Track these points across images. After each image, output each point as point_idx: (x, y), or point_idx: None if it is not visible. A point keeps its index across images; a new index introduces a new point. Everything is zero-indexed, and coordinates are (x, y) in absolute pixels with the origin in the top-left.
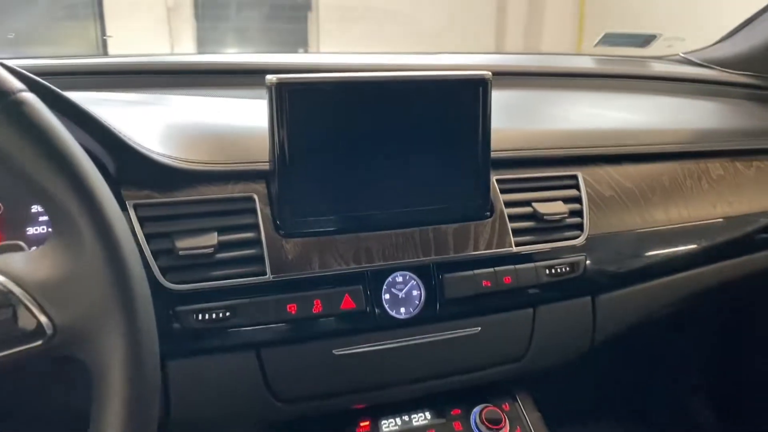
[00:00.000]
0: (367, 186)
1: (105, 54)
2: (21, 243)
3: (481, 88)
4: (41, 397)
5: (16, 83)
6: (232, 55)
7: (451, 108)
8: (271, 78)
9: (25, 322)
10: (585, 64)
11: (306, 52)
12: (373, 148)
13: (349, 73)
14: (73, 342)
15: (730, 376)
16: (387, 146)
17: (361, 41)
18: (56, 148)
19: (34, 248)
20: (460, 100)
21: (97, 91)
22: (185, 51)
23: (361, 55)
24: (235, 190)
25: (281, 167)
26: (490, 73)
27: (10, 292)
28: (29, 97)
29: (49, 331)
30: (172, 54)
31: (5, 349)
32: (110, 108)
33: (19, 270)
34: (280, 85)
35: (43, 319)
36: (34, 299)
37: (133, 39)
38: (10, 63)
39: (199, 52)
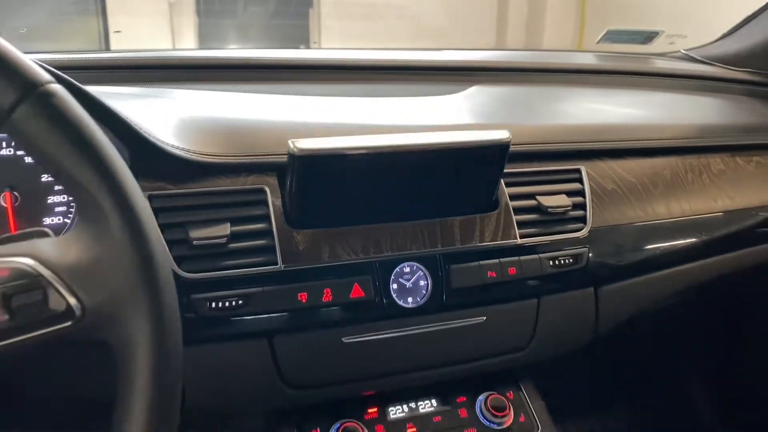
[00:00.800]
0: (379, 200)
1: (107, 49)
2: (46, 229)
3: (500, 150)
4: (64, 387)
5: (44, 75)
6: (239, 51)
7: (469, 165)
8: (293, 148)
9: (55, 303)
10: (588, 60)
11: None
12: (389, 188)
13: (371, 139)
14: (101, 323)
15: (730, 366)
16: (402, 187)
17: (363, 38)
18: (84, 138)
19: (62, 234)
20: (480, 159)
21: (106, 85)
22: (187, 47)
23: (362, 51)
24: (247, 182)
25: (297, 203)
26: (509, 135)
27: (40, 275)
28: (57, 88)
29: (78, 313)
30: (178, 49)
31: (37, 330)
32: (122, 101)
33: (48, 254)
34: (303, 158)
35: (72, 301)
36: (64, 282)
37: (135, 35)
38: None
39: (201, 48)
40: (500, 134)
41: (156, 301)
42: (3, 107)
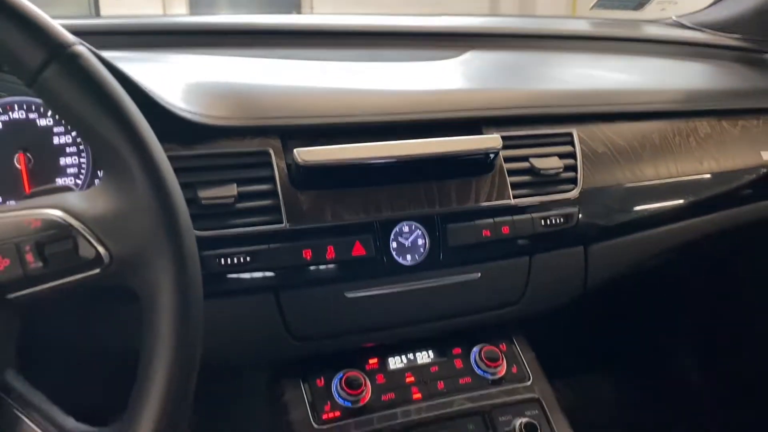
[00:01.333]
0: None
1: (97, 15)
2: (71, 185)
3: (492, 155)
4: (93, 339)
5: (70, 36)
6: (234, 17)
7: (464, 162)
8: (298, 158)
9: (85, 251)
10: (580, 26)
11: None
12: (389, 176)
13: (371, 150)
14: (127, 270)
15: (716, 324)
16: (402, 175)
17: (354, 5)
18: (111, 97)
19: (86, 189)
20: (473, 158)
21: (103, 50)
22: (178, 13)
23: (356, 17)
24: (252, 145)
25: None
26: (500, 142)
27: (71, 225)
28: (83, 49)
29: (106, 260)
30: (172, 15)
31: (68, 276)
32: (124, 65)
33: (76, 206)
34: (308, 167)
35: (100, 249)
36: (93, 232)
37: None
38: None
39: (192, 14)
40: (492, 141)
41: (179, 248)
42: (32, 67)
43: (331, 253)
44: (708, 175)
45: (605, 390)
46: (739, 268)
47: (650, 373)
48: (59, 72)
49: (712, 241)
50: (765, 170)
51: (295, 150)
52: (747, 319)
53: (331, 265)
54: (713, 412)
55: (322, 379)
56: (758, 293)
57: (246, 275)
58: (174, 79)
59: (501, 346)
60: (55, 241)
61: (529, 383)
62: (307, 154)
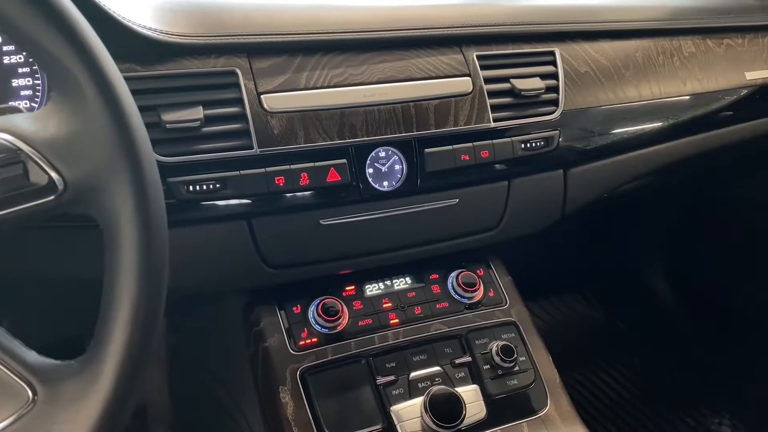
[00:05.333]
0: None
1: None
2: (18, 105)
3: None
4: (49, 269)
5: None
6: None
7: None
8: (264, 104)
9: (37, 177)
10: None
11: None
12: None
13: (339, 97)
14: (83, 196)
15: (684, 249)
16: None
17: None
18: (57, 10)
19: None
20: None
21: None
22: None
23: None
24: (217, 64)
25: None
26: (470, 87)
27: (19, 149)
28: None
29: (60, 187)
30: None
31: (20, 204)
32: None
33: (24, 129)
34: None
35: (53, 175)
36: (44, 156)
37: None
38: None
39: None
40: (462, 85)
41: (137, 172)
42: None
43: (305, 179)
44: (690, 97)
45: (580, 311)
46: (715, 192)
47: (622, 294)
48: None
49: (689, 163)
50: (746, 91)
51: (262, 96)
52: (718, 240)
53: (305, 192)
54: (684, 331)
55: (299, 306)
56: (733, 215)
57: (216, 203)
58: None
59: (478, 271)
60: (3, 167)
61: (505, 307)
62: (275, 101)
